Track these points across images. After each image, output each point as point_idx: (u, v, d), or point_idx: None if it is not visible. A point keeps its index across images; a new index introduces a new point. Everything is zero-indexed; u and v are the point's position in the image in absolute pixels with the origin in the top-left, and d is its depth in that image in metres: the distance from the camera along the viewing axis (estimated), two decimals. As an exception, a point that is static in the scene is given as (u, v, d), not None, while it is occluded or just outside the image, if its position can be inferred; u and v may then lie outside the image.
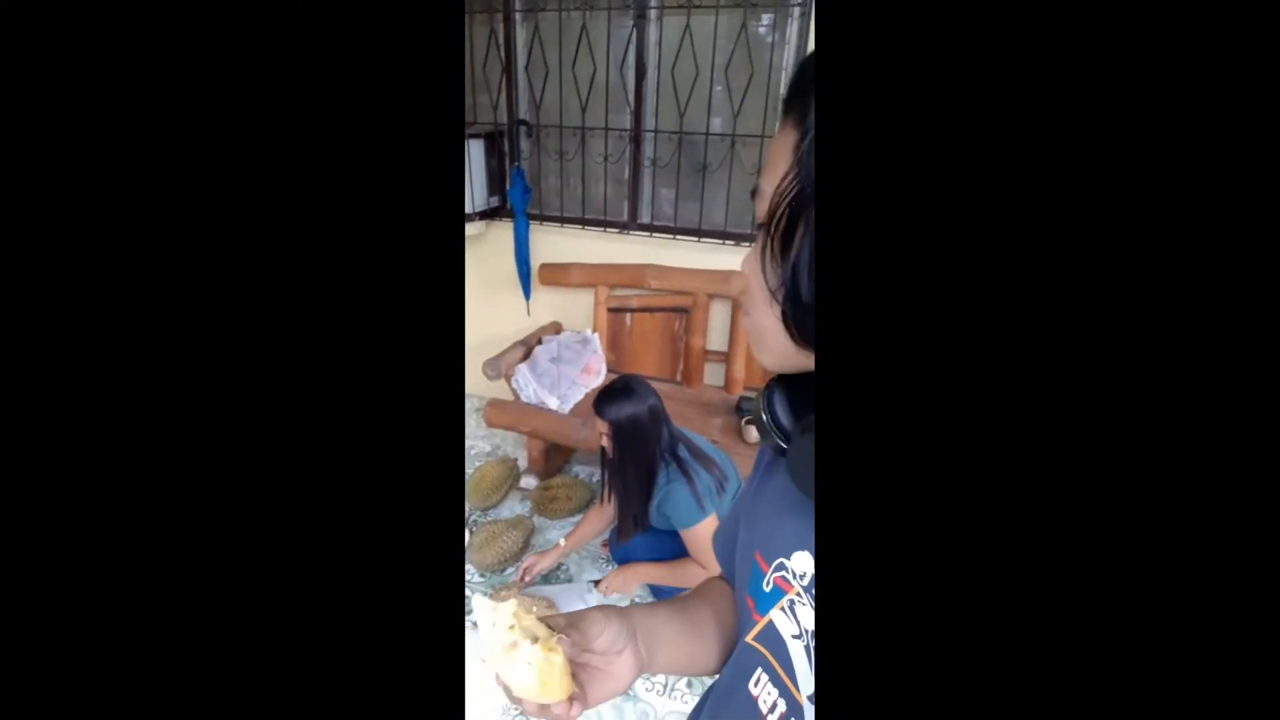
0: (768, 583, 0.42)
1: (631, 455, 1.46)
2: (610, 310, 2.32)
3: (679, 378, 2.31)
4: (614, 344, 2.35)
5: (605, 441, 1.48)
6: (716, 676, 0.51)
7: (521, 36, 2.26)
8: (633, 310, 2.30)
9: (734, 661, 0.45)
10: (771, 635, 0.41)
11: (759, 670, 0.41)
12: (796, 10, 1.90)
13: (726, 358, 2.23)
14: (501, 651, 0.39)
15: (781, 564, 0.41)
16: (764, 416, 0.41)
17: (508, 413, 2.04)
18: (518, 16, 2.23)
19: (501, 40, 2.24)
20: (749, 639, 0.43)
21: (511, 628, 0.39)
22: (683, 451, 1.49)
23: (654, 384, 1.52)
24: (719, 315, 2.24)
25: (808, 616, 0.39)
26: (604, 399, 1.44)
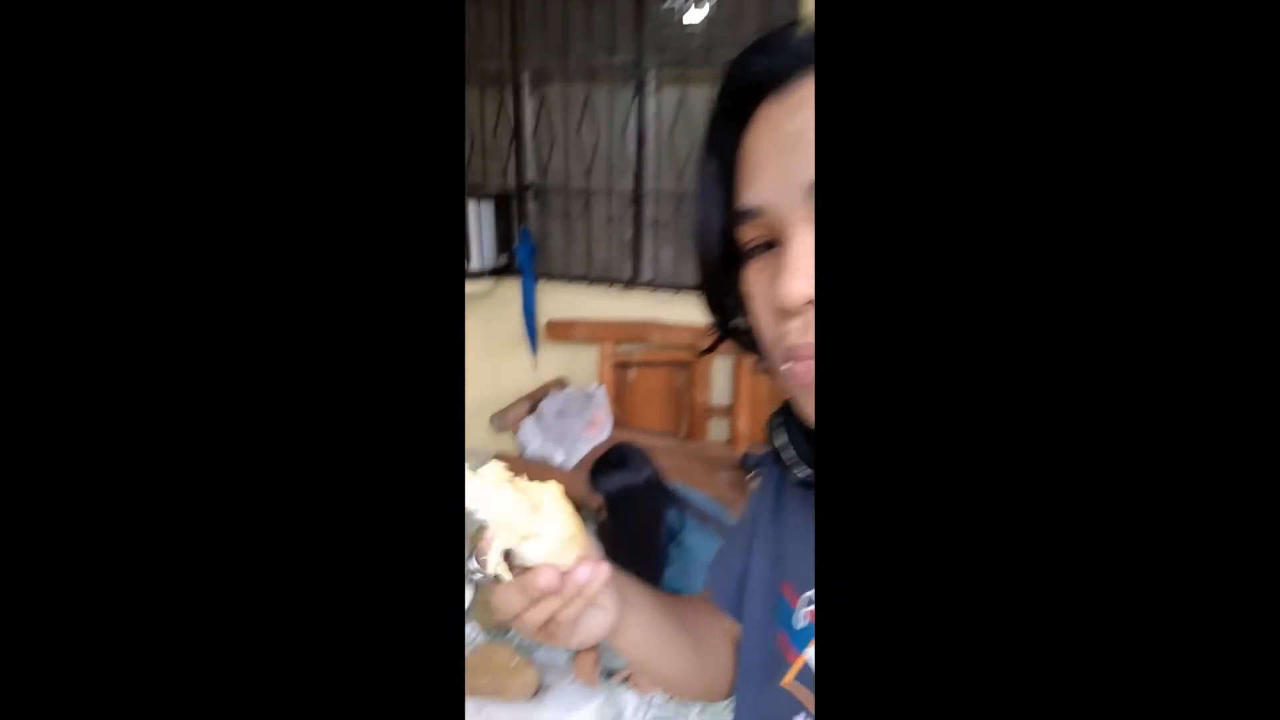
0: (798, 619, 0.39)
1: (625, 529, 1.36)
2: (614, 365, 2.34)
3: (682, 433, 2.31)
4: (618, 398, 2.36)
5: (601, 513, 1.43)
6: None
7: (530, 107, 2.39)
8: (636, 365, 2.33)
9: (759, 710, 0.41)
10: (812, 676, 0.37)
11: (801, 718, 0.37)
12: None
13: (731, 412, 2.23)
14: (524, 520, 0.32)
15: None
16: (789, 446, 0.38)
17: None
18: (526, 89, 2.36)
19: (511, 110, 2.37)
20: (784, 682, 0.39)
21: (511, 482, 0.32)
22: (689, 527, 1.41)
23: (657, 439, 1.49)
24: (721, 370, 2.25)
25: None
26: (598, 468, 1.40)
